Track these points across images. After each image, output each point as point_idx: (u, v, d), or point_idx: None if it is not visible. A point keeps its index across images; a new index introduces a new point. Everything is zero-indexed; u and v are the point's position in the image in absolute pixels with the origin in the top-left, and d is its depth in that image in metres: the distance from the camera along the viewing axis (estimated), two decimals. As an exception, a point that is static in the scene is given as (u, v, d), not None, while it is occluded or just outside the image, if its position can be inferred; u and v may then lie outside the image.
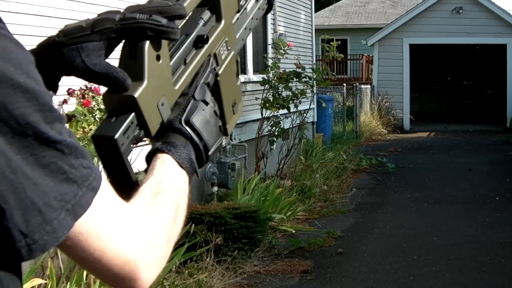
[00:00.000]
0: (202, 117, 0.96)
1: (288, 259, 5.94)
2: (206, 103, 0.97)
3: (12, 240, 0.69)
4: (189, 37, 0.99)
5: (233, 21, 1.08)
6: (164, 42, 0.90)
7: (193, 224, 5.19)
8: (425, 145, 15.16)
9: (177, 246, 4.91)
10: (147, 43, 0.87)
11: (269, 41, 10.33)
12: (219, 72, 1.02)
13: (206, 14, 1.01)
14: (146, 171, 0.93)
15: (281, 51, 8.83)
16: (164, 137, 0.93)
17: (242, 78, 1.19)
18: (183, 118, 0.93)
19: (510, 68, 18.41)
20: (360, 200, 8.66)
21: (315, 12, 16.94)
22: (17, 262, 0.74)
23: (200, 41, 0.99)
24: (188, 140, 0.94)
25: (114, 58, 0.90)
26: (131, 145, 0.89)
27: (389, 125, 17.76)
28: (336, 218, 7.67)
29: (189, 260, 5.10)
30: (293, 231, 6.74)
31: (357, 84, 17.20)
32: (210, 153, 0.98)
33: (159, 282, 4.48)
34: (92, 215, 0.75)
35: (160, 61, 0.89)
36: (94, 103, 4.57)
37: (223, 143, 0.98)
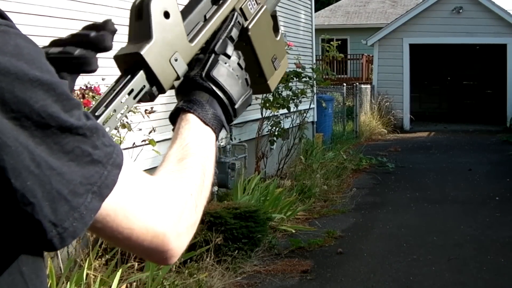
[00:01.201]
0: (224, 70, 0.95)
1: (288, 259, 5.94)
2: (228, 57, 0.96)
3: (44, 231, 0.71)
4: None
5: None
6: (174, 9, 0.90)
7: (193, 224, 5.18)
8: (425, 145, 15.15)
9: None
10: (152, 1, 0.88)
11: (269, 41, 10.31)
12: (250, 27, 1.01)
13: None
14: (173, 130, 0.94)
15: (281, 51, 8.82)
16: (187, 95, 0.93)
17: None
18: (204, 73, 0.93)
19: (510, 68, 18.40)
20: (360, 200, 8.66)
21: (315, 12, 16.95)
22: (51, 251, 0.76)
23: None
24: (211, 95, 0.93)
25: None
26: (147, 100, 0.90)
27: (389, 125, 17.77)
28: (336, 218, 7.67)
29: (189, 260, 5.10)
30: (293, 231, 6.74)
31: (357, 84, 17.20)
32: (237, 106, 0.96)
33: (159, 282, 4.48)
34: (118, 193, 0.76)
35: (170, 19, 0.89)
36: (94, 102, 4.57)
37: (250, 100, 0.96)
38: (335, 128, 15.30)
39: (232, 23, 0.98)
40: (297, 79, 8.90)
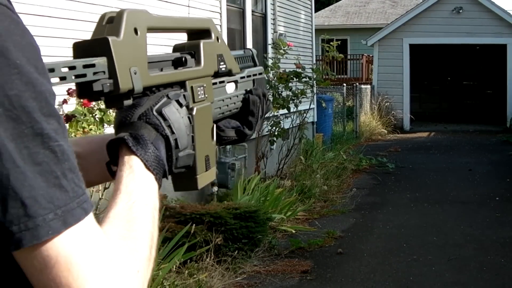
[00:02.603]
0: (175, 113, 0.89)
1: (288, 259, 5.94)
2: (181, 105, 0.91)
3: None
4: (168, 55, 0.98)
5: (212, 81, 1.06)
6: (143, 31, 0.88)
7: (193, 224, 5.19)
8: (425, 145, 15.16)
9: (177, 246, 4.91)
10: (127, 11, 0.85)
11: (269, 41, 10.33)
12: (196, 107, 0.97)
13: (187, 55, 1.01)
14: (108, 164, 0.85)
15: (281, 51, 8.83)
16: (132, 127, 0.84)
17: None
18: (155, 108, 0.87)
19: (510, 68, 18.41)
20: (360, 200, 8.66)
21: (315, 12, 16.95)
22: None
23: (179, 63, 0.97)
24: (159, 133, 0.86)
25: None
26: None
27: (389, 125, 17.77)
28: (336, 218, 7.67)
29: (189, 260, 5.10)
30: (293, 231, 6.74)
31: (357, 84, 17.21)
32: (181, 154, 0.89)
33: (159, 282, 4.48)
34: (71, 239, 0.65)
35: (138, 36, 0.86)
36: (94, 103, 4.56)
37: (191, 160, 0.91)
38: (335, 128, 15.30)
39: (183, 90, 0.96)
40: (297, 79, 8.90)
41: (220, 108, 1.09)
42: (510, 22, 17.90)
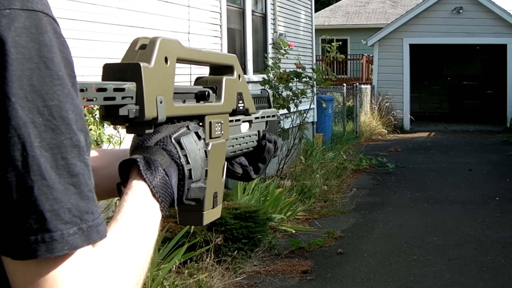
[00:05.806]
0: (192, 144, 0.89)
1: (288, 259, 5.94)
2: (199, 138, 0.92)
3: None
4: (191, 87, 0.98)
5: (229, 119, 1.07)
6: (173, 61, 0.89)
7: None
8: (425, 145, 15.16)
9: (177, 246, 4.91)
10: (159, 40, 0.86)
11: (269, 41, 10.33)
12: (211, 143, 0.97)
13: (210, 90, 1.02)
14: (118, 186, 0.84)
15: (282, 51, 8.83)
16: (147, 151, 0.83)
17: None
18: (173, 136, 0.87)
19: (510, 68, 18.41)
20: (360, 200, 8.66)
21: (315, 12, 16.97)
22: None
23: (202, 97, 0.98)
24: (174, 161, 0.85)
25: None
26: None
27: (389, 125, 17.78)
28: (336, 218, 7.67)
29: (189, 260, 5.10)
30: (293, 231, 6.74)
31: (357, 84, 17.21)
32: (193, 185, 0.88)
33: (159, 282, 4.48)
34: (77, 259, 0.64)
35: (167, 65, 0.87)
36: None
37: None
38: (335, 128, 15.31)
39: (205, 121, 0.97)
40: (297, 79, 8.90)
41: (233, 146, 1.09)
42: (510, 22, 17.91)
